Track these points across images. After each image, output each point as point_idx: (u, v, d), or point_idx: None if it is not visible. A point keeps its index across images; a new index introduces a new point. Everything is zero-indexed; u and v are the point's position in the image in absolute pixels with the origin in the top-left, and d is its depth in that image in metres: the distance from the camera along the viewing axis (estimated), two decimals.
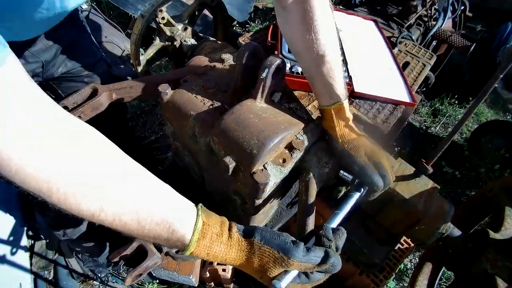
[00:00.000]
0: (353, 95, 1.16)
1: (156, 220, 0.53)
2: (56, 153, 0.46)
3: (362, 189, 0.76)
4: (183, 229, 0.55)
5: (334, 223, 0.69)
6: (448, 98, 2.93)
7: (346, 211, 0.72)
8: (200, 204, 0.60)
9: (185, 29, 1.22)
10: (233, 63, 0.99)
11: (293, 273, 0.57)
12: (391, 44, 1.51)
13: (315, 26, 0.73)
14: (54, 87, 1.13)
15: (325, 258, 0.57)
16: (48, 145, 0.45)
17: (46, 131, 0.46)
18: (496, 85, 0.82)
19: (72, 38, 1.09)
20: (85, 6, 2.22)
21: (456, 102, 2.92)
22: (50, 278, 1.65)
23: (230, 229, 0.59)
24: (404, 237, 1.56)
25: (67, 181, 0.47)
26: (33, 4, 0.73)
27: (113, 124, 1.30)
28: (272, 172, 0.72)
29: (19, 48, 0.92)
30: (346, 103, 0.78)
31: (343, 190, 0.85)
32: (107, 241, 1.57)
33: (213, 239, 0.57)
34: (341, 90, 0.77)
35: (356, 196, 0.75)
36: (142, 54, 1.19)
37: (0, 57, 0.42)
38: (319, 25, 0.73)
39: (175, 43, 1.20)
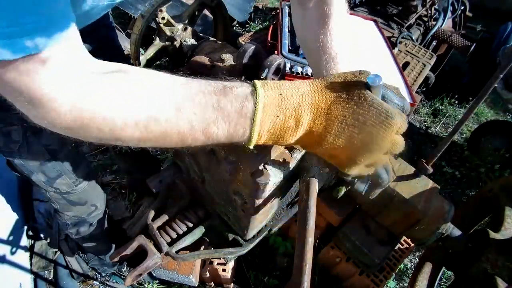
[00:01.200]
0: None
1: (209, 90, 0.47)
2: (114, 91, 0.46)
3: (360, 190, 0.76)
4: (242, 88, 0.48)
5: None
6: (448, 98, 2.94)
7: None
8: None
9: (185, 29, 1.22)
10: (233, 63, 0.99)
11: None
12: (391, 44, 1.51)
13: (330, 29, 0.73)
14: None
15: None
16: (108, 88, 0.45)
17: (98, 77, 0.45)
18: (496, 85, 0.82)
19: (104, 38, 1.10)
20: None
21: (456, 102, 2.92)
22: (50, 278, 1.65)
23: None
24: (404, 237, 1.56)
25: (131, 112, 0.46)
26: None
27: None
28: (272, 172, 0.72)
29: None
30: None
31: (343, 190, 0.85)
32: (115, 240, 1.58)
33: (277, 83, 0.49)
34: None
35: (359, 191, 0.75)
36: (142, 54, 1.19)
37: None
38: (334, 29, 0.74)
39: (175, 43, 1.20)
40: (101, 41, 1.10)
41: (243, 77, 0.91)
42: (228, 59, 1.00)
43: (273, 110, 0.48)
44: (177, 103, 0.47)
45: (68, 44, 0.44)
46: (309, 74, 1.21)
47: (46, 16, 0.40)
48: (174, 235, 0.90)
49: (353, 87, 0.49)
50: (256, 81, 0.49)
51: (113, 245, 1.58)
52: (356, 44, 1.41)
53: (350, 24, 0.78)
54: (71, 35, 0.45)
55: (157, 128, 0.47)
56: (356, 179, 0.79)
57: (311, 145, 0.55)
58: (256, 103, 0.47)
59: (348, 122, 0.49)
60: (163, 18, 1.15)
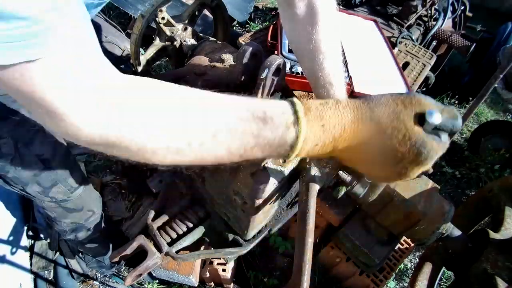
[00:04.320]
0: (353, 95, 1.16)
1: (247, 116, 0.46)
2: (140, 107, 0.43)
3: (359, 191, 0.76)
4: (282, 108, 0.47)
5: None
6: (448, 98, 2.93)
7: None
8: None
9: (185, 29, 1.22)
10: (233, 63, 0.99)
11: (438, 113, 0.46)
12: (391, 44, 1.51)
13: (320, 27, 0.73)
14: None
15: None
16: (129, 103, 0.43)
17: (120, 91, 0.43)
18: (496, 85, 0.82)
19: None
20: None
21: (456, 102, 2.92)
22: (50, 278, 1.65)
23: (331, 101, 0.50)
24: (404, 237, 1.56)
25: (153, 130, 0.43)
26: None
27: None
28: (272, 172, 0.72)
29: None
30: None
31: (343, 190, 0.85)
32: (113, 242, 1.58)
33: (319, 108, 0.48)
34: (342, 93, 0.77)
35: (358, 192, 0.75)
36: (142, 54, 1.19)
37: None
38: (324, 27, 0.73)
39: (175, 43, 1.20)
40: None
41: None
42: (228, 59, 1.00)
43: (314, 140, 0.48)
44: (215, 129, 0.45)
45: (87, 47, 0.42)
46: None
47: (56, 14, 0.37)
48: (174, 235, 0.90)
49: (400, 122, 0.46)
50: (298, 106, 0.47)
51: (111, 247, 1.58)
52: (356, 44, 1.41)
53: (339, 20, 0.77)
54: (90, 38, 0.42)
55: (192, 153, 0.46)
56: (355, 181, 0.79)
57: (342, 160, 0.56)
58: (297, 136, 0.46)
59: (385, 155, 0.48)
60: (163, 18, 1.15)
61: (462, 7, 2.56)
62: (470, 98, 2.82)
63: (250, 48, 0.77)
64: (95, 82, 0.41)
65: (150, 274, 1.60)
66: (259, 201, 0.78)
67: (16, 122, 0.90)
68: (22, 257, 1.59)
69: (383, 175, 0.52)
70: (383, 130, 0.47)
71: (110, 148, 0.44)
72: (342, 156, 0.53)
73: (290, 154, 0.48)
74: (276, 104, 0.48)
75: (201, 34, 1.27)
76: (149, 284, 1.65)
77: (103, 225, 1.39)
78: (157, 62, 1.43)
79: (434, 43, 2.45)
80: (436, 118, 0.45)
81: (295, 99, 0.49)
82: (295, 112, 0.47)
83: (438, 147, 0.46)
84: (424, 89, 2.47)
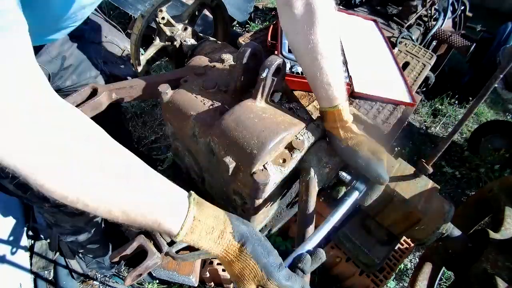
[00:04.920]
0: (353, 95, 1.16)
1: (142, 212, 0.53)
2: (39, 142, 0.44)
3: (358, 192, 0.76)
4: (171, 224, 0.55)
5: (319, 235, 0.68)
6: (448, 98, 2.93)
7: (337, 218, 0.72)
8: (193, 197, 0.59)
9: (185, 29, 1.22)
10: (233, 63, 0.99)
11: None
12: (391, 44, 1.51)
13: (320, 27, 0.73)
14: None
15: None
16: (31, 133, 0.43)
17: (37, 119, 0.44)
18: (496, 85, 0.82)
19: (77, 51, 1.09)
20: None
21: (456, 102, 2.92)
22: (50, 278, 1.65)
23: (224, 227, 0.58)
24: (404, 237, 1.56)
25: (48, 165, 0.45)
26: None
27: (112, 124, 1.30)
28: (272, 172, 0.72)
29: None
30: (346, 105, 0.78)
31: (343, 190, 0.85)
32: (113, 242, 1.57)
33: (202, 236, 0.57)
34: (341, 93, 0.77)
35: (352, 196, 0.75)
36: (142, 54, 1.19)
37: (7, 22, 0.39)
38: (323, 27, 0.73)
39: (175, 43, 1.20)
40: (74, 54, 1.09)
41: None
42: (228, 59, 1.00)
43: (190, 242, 0.58)
44: (110, 206, 0.51)
45: (18, 62, 0.41)
46: None
47: None
48: None
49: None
50: (185, 225, 0.55)
51: (111, 247, 1.58)
52: (356, 44, 1.41)
53: (338, 20, 0.77)
54: (22, 49, 0.42)
55: (81, 207, 0.51)
56: (355, 180, 0.79)
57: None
58: (174, 237, 0.56)
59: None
60: (163, 18, 1.15)
61: (462, 7, 2.56)
62: (470, 98, 2.83)
63: (250, 48, 0.77)
64: (6, 102, 0.40)
65: (150, 274, 1.60)
66: (259, 201, 0.78)
67: None
68: (22, 257, 1.59)
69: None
70: (236, 277, 0.59)
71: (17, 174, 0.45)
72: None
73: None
74: (172, 213, 0.55)
75: (201, 34, 1.26)
76: (149, 284, 1.65)
77: (103, 227, 1.39)
78: (157, 62, 1.43)
79: (434, 43, 2.45)
80: None
81: (191, 215, 0.56)
82: (180, 230, 0.55)
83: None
84: (424, 89, 2.47)
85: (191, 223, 0.56)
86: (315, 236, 0.67)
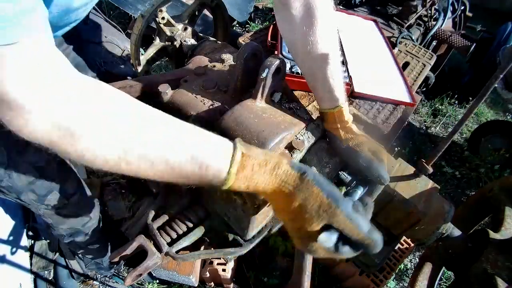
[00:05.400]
0: (353, 95, 1.16)
1: (187, 159, 0.50)
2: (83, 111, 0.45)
3: (360, 190, 0.76)
4: (218, 164, 0.51)
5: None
6: (448, 98, 2.93)
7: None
8: (238, 139, 0.55)
9: (185, 29, 1.22)
10: (233, 63, 0.99)
11: (334, 234, 0.51)
12: (391, 44, 1.51)
13: (318, 28, 0.72)
14: None
15: (372, 230, 0.53)
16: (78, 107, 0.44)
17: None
18: (496, 85, 0.82)
19: (73, 52, 1.09)
20: None
21: (456, 102, 2.92)
22: (50, 278, 1.65)
23: (279, 159, 0.54)
24: (404, 237, 1.56)
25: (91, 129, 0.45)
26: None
27: None
28: None
29: None
30: (346, 105, 0.78)
31: (343, 190, 0.85)
32: (112, 243, 1.57)
33: (255, 170, 0.52)
34: (341, 93, 0.77)
35: (355, 196, 0.75)
36: (142, 54, 1.19)
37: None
38: (322, 28, 0.72)
39: (175, 43, 1.20)
40: (73, 55, 1.08)
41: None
42: (228, 59, 1.00)
43: (238, 188, 0.54)
44: (154, 158, 0.49)
45: (46, 40, 0.43)
46: None
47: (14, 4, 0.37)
48: (174, 235, 0.90)
49: (308, 219, 0.53)
50: (234, 164, 0.51)
51: (110, 248, 1.58)
52: (356, 44, 1.41)
53: (336, 20, 0.77)
54: (43, 29, 0.43)
55: (127, 170, 0.49)
56: (354, 182, 0.79)
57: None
58: (222, 185, 0.53)
59: (291, 230, 0.57)
60: (163, 18, 1.15)
61: (462, 7, 2.56)
62: (470, 98, 2.83)
63: (250, 48, 0.77)
64: (50, 78, 0.42)
65: (150, 274, 1.60)
66: (259, 201, 0.78)
67: (9, 130, 0.89)
68: (22, 257, 1.59)
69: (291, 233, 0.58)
70: (297, 213, 0.53)
71: (52, 147, 0.45)
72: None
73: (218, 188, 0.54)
74: (217, 153, 0.52)
75: (201, 34, 1.27)
76: (149, 284, 1.65)
77: (101, 228, 1.39)
78: (157, 62, 1.43)
79: (434, 43, 2.45)
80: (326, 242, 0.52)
81: (239, 152, 0.52)
82: (230, 167, 0.51)
83: (325, 253, 0.54)
84: (424, 89, 2.47)
85: (240, 158, 0.51)
86: None
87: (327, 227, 0.52)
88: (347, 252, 0.54)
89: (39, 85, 0.41)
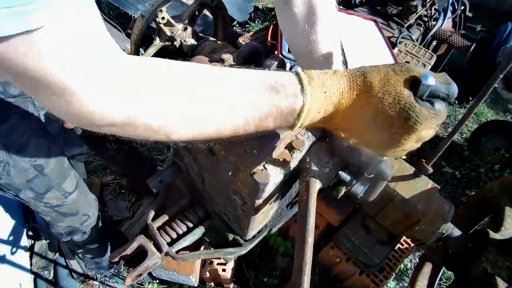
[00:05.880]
0: None
1: (260, 87, 0.48)
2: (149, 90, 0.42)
3: (360, 189, 0.76)
4: (290, 80, 0.49)
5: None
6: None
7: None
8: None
9: (185, 29, 1.22)
10: (233, 63, 0.99)
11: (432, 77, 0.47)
12: (391, 44, 1.51)
13: (321, 27, 0.71)
14: None
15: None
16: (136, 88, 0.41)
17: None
18: (496, 85, 0.82)
19: None
20: None
21: (456, 102, 2.92)
22: (50, 278, 1.65)
23: (338, 71, 0.53)
24: (404, 237, 1.56)
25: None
26: None
27: None
28: (272, 172, 0.72)
29: None
30: None
31: (343, 190, 0.85)
32: (111, 242, 1.57)
33: (321, 77, 0.51)
34: None
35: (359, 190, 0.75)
36: (142, 54, 1.19)
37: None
38: (324, 27, 0.72)
39: (175, 43, 1.20)
40: None
41: (288, 67, 0.89)
42: (228, 59, 1.00)
43: (317, 108, 0.51)
44: (232, 101, 0.47)
45: (93, 17, 0.38)
46: None
47: None
48: (174, 235, 0.90)
49: (390, 86, 0.49)
50: (302, 75, 0.50)
51: (109, 248, 1.58)
52: (356, 44, 1.41)
53: (338, 20, 0.76)
54: (94, 9, 0.38)
55: (211, 128, 0.48)
56: (355, 181, 0.79)
57: (338, 128, 0.59)
58: (303, 103, 0.49)
59: (378, 119, 0.50)
60: (163, 18, 1.15)
61: (462, 7, 2.56)
62: (470, 98, 2.83)
63: (250, 48, 0.77)
64: (108, 55, 0.39)
65: (150, 274, 1.60)
66: (259, 201, 0.78)
67: (8, 128, 0.89)
68: (22, 257, 1.59)
69: (377, 142, 0.54)
70: (375, 94, 0.49)
71: (127, 127, 0.42)
72: (340, 124, 0.56)
73: (296, 123, 0.52)
74: (283, 74, 0.51)
75: (201, 34, 1.27)
76: (149, 284, 1.65)
77: (99, 227, 1.39)
78: None
79: (434, 43, 2.45)
80: (430, 81, 0.46)
81: (298, 69, 0.52)
82: (300, 81, 0.49)
83: (428, 113, 0.47)
84: None
85: (305, 74, 0.51)
86: None
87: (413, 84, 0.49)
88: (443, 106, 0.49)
89: (97, 64, 0.37)
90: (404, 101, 0.47)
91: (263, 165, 0.73)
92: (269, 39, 1.30)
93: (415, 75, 0.49)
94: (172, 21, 1.18)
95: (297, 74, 0.51)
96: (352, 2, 2.01)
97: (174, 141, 0.47)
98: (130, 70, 0.41)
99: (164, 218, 0.94)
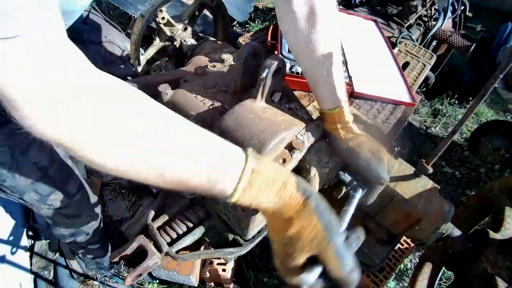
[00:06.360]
0: (353, 95, 1.16)
1: (196, 170, 0.48)
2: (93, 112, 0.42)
3: (361, 190, 0.76)
4: (227, 180, 0.49)
5: (344, 223, 0.67)
6: (448, 98, 2.93)
7: (353, 209, 0.71)
8: (250, 150, 0.53)
9: (185, 29, 1.23)
10: (233, 63, 0.99)
11: (318, 269, 0.51)
12: (391, 44, 1.51)
13: (321, 26, 0.71)
14: None
15: (353, 270, 0.51)
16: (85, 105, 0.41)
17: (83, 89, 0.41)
18: (496, 85, 0.82)
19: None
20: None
21: (456, 102, 2.92)
22: (50, 278, 1.65)
23: (287, 178, 0.52)
24: (404, 237, 1.56)
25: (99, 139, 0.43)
26: None
27: None
28: None
29: None
30: (346, 106, 0.78)
31: (343, 190, 0.85)
32: (112, 243, 1.57)
33: (261, 189, 0.51)
34: (342, 94, 0.77)
35: (357, 195, 0.75)
36: (142, 54, 1.19)
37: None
38: (325, 27, 0.72)
39: (175, 43, 1.20)
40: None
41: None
42: (228, 59, 1.00)
43: (246, 202, 0.52)
44: (164, 168, 0.48)
45: (47, 31, 0.38)
46: None
47: None
48: (174, 235, 0.90)
49: (300, 251, 0.52)
50: (242, 181, 0.50)
51: (110, 248, 1.58)
52: (356, 44, 1.41)
53: (339, 20, 0.76)
54: (58, 21, 0.39)
55: (135, 176, 0.47)
56: (355, 182, 0.79)
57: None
58: (227, 198, 0.51)
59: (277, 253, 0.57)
60: (163, 18, 1.15)
61: (462, 7, 2.56)
62: (470, 98, 2.83)
63: (250, 48, 0.77)
64: (55, 75, 0.39)
65: (150, 274, 1.60)
66: None
67: (12, 130, 0.89)
68: (22, 257, 1.59)
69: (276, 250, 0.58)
70: (291, 239, 0.52)
71: (62, 147, 0.43)
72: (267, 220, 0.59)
73: (227, 200, 0.52)
74: (227, 168, 0.50)
75: (201, 34, 1.27)
76: (149, 284, 1.65)
77: (102, 228, 1.39)
78: (157, 62, 1.43)
79: (434, 43, 2.45)
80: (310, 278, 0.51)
81: (249, 168, 0.50)
82: (238, 184, 0.50)
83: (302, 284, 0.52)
84: (424, 89, 2.47)
85: (250, 175, 0.50)
86: None
87: (310, 260, 0.52)
88: (319, 284, 0.53)
89: (43, 86, 0.38)
90: (295, 276, 0.53)
91: None
92: (269, 39, 1.30)
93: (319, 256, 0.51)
94: (172, 21, 1.18)
95: (242, 173, 0.50)
96: (352, 2, 2.01)
97: (107, 172, 0.47)
98: (76, 89, 0.40)
99: (164, 218, 0.94)
